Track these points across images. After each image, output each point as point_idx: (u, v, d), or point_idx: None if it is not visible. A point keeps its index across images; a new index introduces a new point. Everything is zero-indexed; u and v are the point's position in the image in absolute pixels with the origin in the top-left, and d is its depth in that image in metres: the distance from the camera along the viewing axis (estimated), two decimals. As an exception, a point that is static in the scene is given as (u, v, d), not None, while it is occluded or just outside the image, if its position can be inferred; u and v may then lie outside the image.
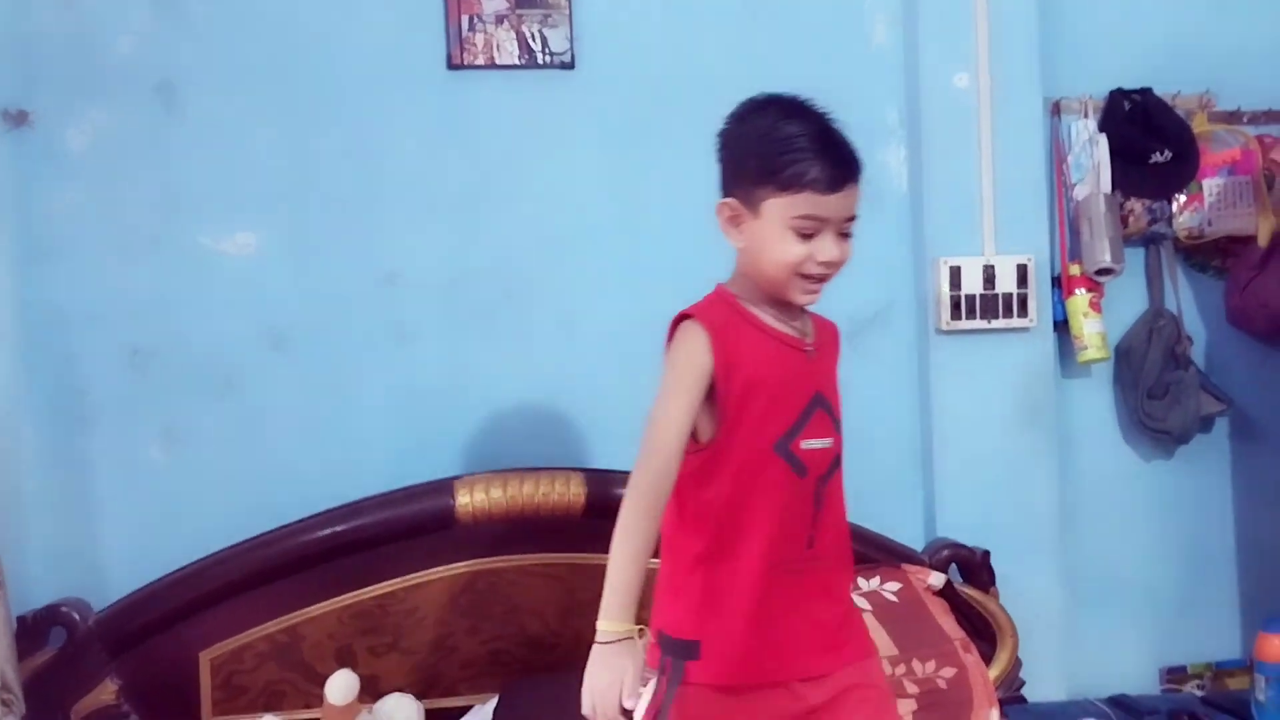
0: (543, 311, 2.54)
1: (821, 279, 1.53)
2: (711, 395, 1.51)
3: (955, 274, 2.56)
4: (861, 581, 2.35)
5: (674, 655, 1.53)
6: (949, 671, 2.23)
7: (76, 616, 2.23)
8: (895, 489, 2.61)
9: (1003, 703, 2.29)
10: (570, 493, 2.32)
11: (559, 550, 2.36)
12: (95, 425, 2.41)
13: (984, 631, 2.42)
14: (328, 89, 2.49)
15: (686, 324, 1.53)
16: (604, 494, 2.33)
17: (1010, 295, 2.57)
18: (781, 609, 1.54)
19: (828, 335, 1.66)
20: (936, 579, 2.40)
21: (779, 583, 1.54)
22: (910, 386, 2.64)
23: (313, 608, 2.30)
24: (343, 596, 2.31)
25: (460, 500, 2.28)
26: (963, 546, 2.50)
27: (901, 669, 2.22)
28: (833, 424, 1.59)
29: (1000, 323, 2.57)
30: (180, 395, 2.43)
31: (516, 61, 2.52)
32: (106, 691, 2.23)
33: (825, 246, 1.50)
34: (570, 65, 2.54)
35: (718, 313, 1.54)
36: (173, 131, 2.44)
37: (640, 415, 2.54)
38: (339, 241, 2.48)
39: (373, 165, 2.49)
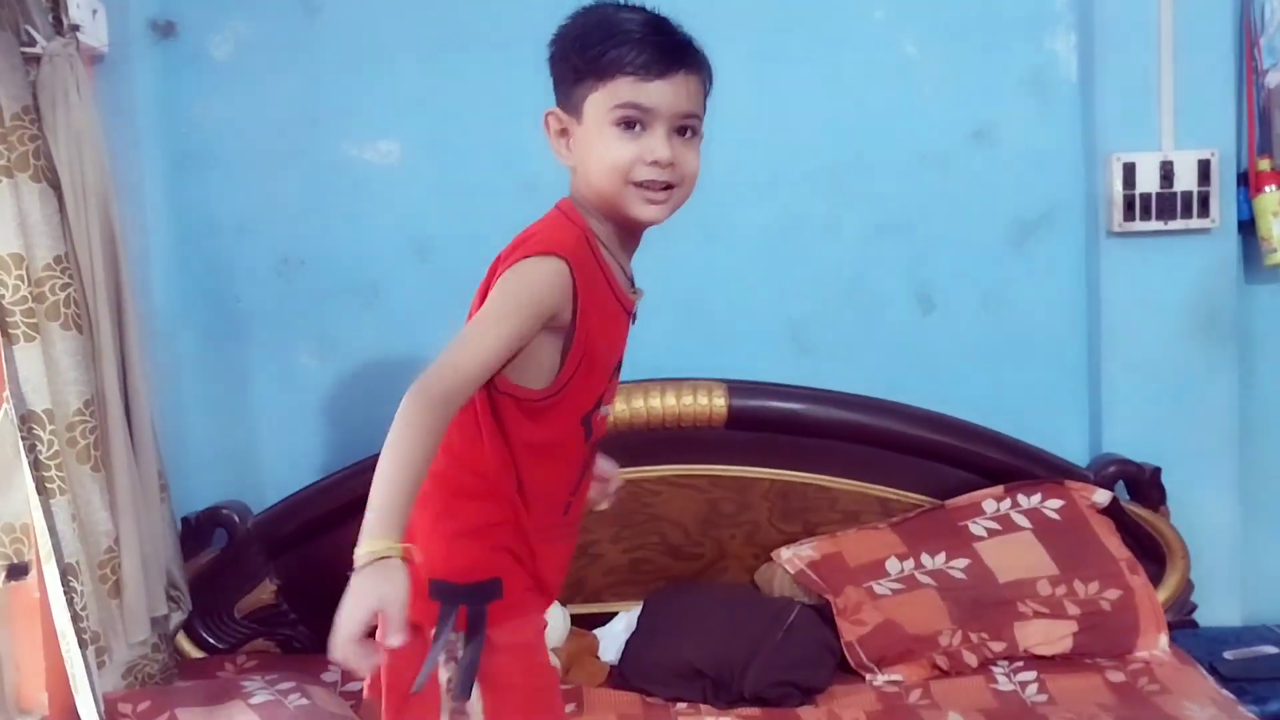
0: (683, 216, 2.44)
1: (665, 187, 1.33)
2: (546, 344, 1.34)
3: (1129, 171, 2.37)
4: (1021, 498, 2.25)
5: (476, 600, 1.35)
6: (1113, 593, 2.13)
7: (236, 519, 2.30)
8: (1059, 401, 2.48)
9: (1172, 626, 2.19)
10: (712, 404, 2.27)
11: (699, 462, 2.33)
12: (249, 333, 2.46)
13: (1153, 552, 2.29)
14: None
15: (551, 259, 1.31)
16: (746, 406, 2.28)
17: (1190, 194, 2.38)
18: (552, 559, 1.45)
19: None
20: (1102, 496, 2.27)
21: (554, 534, 1.44)
22: (1077, 293, 2.48)
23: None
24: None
25: (602, 410, 2.24)
26: (1130, 462, 2.36)
27: (1062, 589, 2.13)
28: (614, 392, 1.47)
29: (1179, 224, 2.38)
30: (329, 303, 2.46)
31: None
32: (266, 591, 2.32)
33: (654, 143, 1.32)
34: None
35: (577, 252, 1.34)
36: (314, 38, 2.43)
37: (784, 324, 2.50)
38: (479, 148, 2.45)
39: (512, 67, 2.41)
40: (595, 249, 1.37)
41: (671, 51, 1.33)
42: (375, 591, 1.13)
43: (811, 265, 2.46)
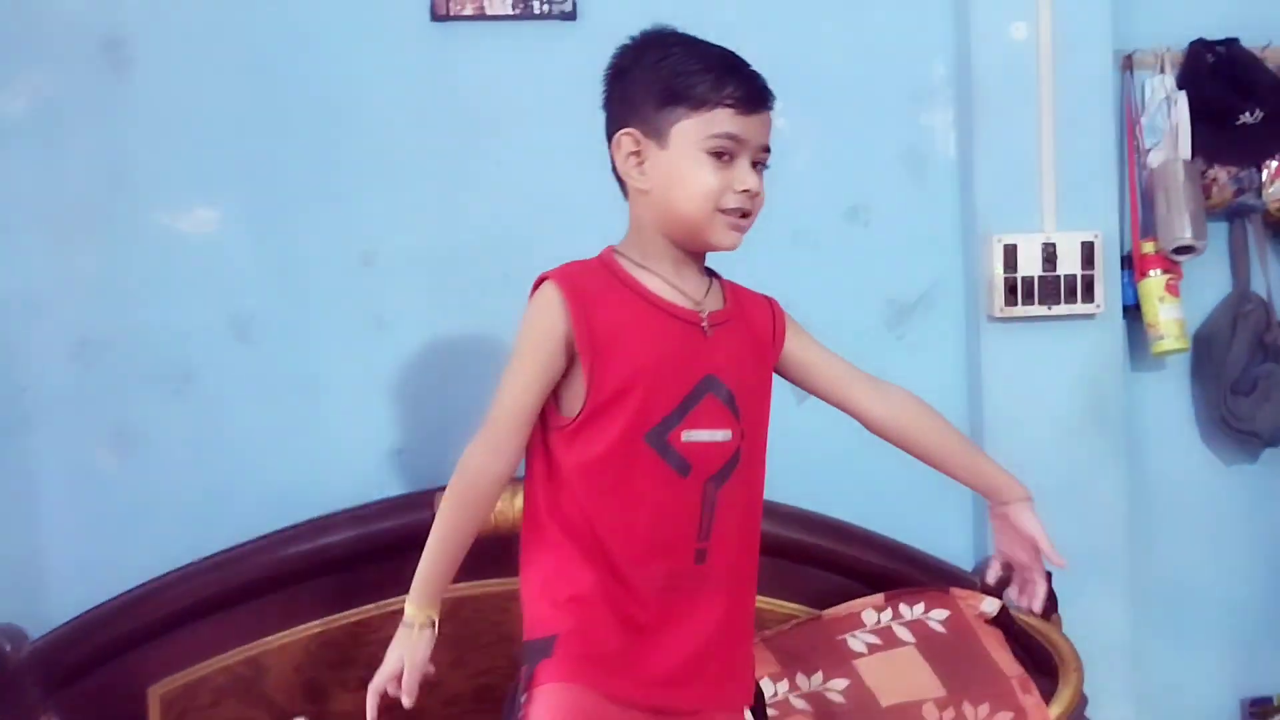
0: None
1: (744, 214, 1.39)
2: (577, 367, 1.36)
3: (1010, 253, 2.25)
4: (904, 608, 2.06)
5: (529, 662, 1.37)
6: (1005, 716, 1.94)
7: (8, 646, 1.96)
8: (940, 499, 2.27)
9: (1066, 746, 2.01)
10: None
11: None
12: (38, 426, 2.14)
13: (1045, 664, 2.12)
14: (296, 44, 2.20)
15: (542, 286, 1.39)
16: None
17: (1074, 277, 2.26)
18: (653, 625, 1.37)
19: (752, 313, 1.49)
20: (989, 605, 2.09)
21: (653, 599, 1.37)
22: (957, 381, 2.33)
23: (276, 636, 2.04)
24: (310, 624, 2.05)
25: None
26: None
27: (950, 713, 1.93)
28: (732, 415, 1.40)
29: (1062, 308, 2.27)
30: (133, 392, 2.16)
31: (510, 11, 2.22)
32: (43, 731, 1.98)
33: (743, 174, 1.37)
34: (571, 15, 2.23)
35: (585, 274, 1.40)
36: (123, 94, 2.15)
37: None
38: (310, 217, 2.20)
39: (347, 130, 2.20)
40: (612, 265, 1.41)
41: (764, 89, 1.40)
42: (395, 653, 1.35)
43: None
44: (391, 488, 2.14)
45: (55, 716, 1.98)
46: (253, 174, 2.19)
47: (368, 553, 2.03)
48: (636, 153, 1.40)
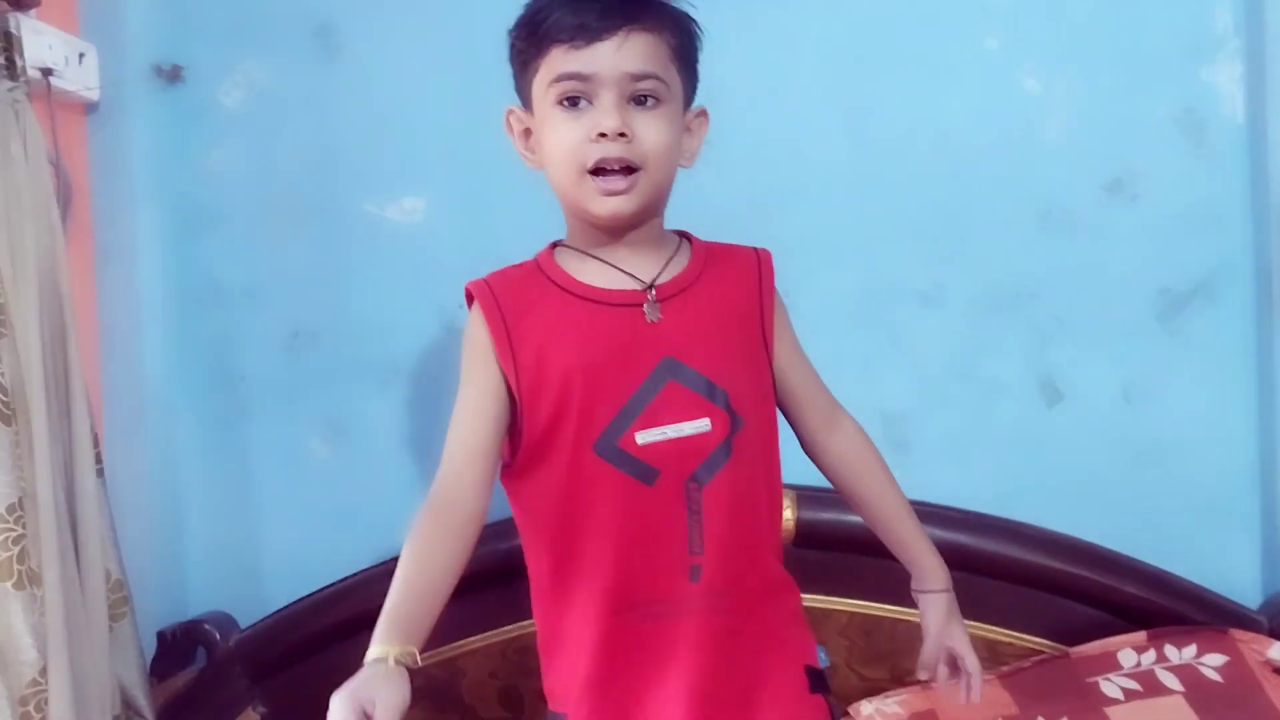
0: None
1: (624, 168, 1.17)
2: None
3: (1314, 231, 1.89)
4: (1171, 650, 1.77)
5: None
6: (1297, 788, 1.63)
7: (217, 635, 1.99)
8: (1220, 523, 1.98)
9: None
10: (778, 515, 1.86)
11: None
12: (254, 415, 2.16)
13: (1349, 727, 1.77)
14: (503, 25, 2.10)
15: (470, 309, 1.27)
16: (820, 520, 1.87)
17: (1396, 259, 1.88)
18: (655, 661, 1.19)
19: (726, 271, 1.27)
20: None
21: (649, 633, 1.19)
22: (1245, 382, 1.99)
23: (473, 639, 1.96)
24: (507, 627, 1.95)
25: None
26: (1320, 604, 1.85)
27: (1227, 780, 1.63)
28: (707, 400, 1.20)
29: (1379, 297, 1.88)
30: (343, 382, 2.15)
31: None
32: (249, 720, 1.99)
33: (600, 114, 1.16)
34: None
35: (508, 281, 1.27)
36: (331, 81, 2.14)
37: (874, 417, 2.06)
38: (512, 204, 2.09)
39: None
40: (545, 261, 1.28)
41: (609, 9, 1.16)
42: (359, 696, 1.05)
43: (908, 345, 2.04)
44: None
45: (262, 705, 1.99)
46: (458, 162, 2.12)
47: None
48: (526, 131, 1.27)
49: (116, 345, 2.08)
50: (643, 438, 1.18)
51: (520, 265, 1.31)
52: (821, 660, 1.35)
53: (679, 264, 1.27)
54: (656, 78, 1.18)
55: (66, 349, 1.72)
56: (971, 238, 2.02)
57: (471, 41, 2.07)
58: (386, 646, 1.10)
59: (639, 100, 1.18)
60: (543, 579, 1.26)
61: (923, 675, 1.35)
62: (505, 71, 2.01)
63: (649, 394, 1.19)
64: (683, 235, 1.32)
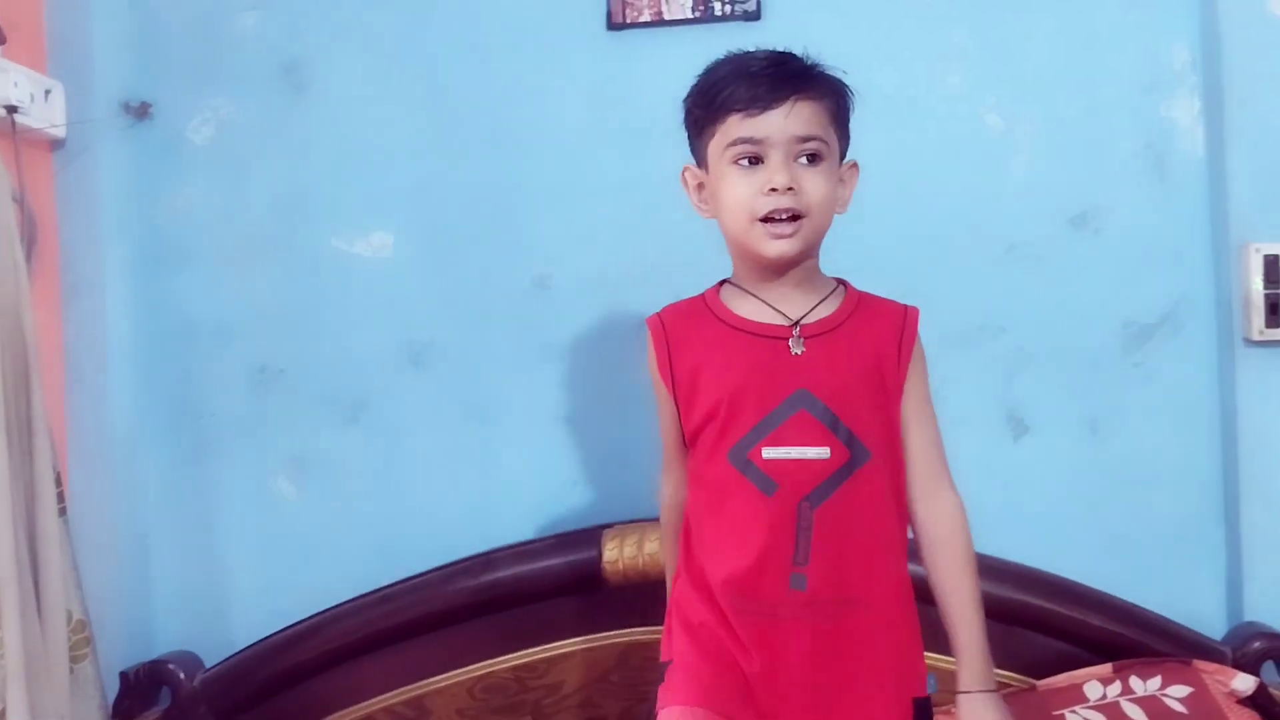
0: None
1: (790, 216, 1.34)
2: None
3: (1271, 265, 1.91)
4: (1136, 682, 1.77)
5: (658, 683, 1.40)
6: (1261, 820, 1.63)
7: (181, 674, 1.97)
8: (1185, 553, 1.98)
9: None
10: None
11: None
12: (219, 452, 2.15)
13: (1314, 758, 1.78)
14: (471, 64, 2.12)
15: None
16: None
17: (1351, 292, 1.91)
18: (753, 651, 1.34)
19: (872, 322, 1.42)
20: (1243, 682, 1.77)
21: (749, 625, 1.35)
22: (1208, 417, 2.00)
23: (441, 677, 1.95)
24: (474, 665, 1.94)
25: (608, 554, 1.86)
26: (1281, 635, 1.86)
27: (1192, 813, 1.63)
28: (829, 431, 1.34)
29: (1336, 329, 1.91)
30: (309, 419, 2.14)
31: (689, 15, 2.07)
32: (215, 763, 1.97)
33: (770, 172, 1.34)
34: (755, 15, 2.06)
35: (677, 314, 1.46)
36: (300, 117, 2.14)
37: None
38: (484, 240, 2.12)
39: (522, 150, 2.10)
40: (710, 297, 1.45)
41: (778, 82, 1.34)
42: None
43: (875, 378, 2.04)
44: (565, 521, 2.02)
45: (225, 748, 1.97)
46: (427, 197, 2.13)
47: (531, 592, 1.91)
48: (700, 185, 1.43)
49: (82, 382, 2.08)
50: (769, 453, 1.34)
51: (691, 299, 1.47)
52: (930, 687, 1.42)
53: (829, 306, 1.41)
54: (819, 139, 1.36)
55: (30, 387, 1.71)
56: (937, 272, 2.03)
57: (438, 78, 2.12)
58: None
59: (803, 158, 1.35)
60: (690, 549, 1.42)
61: None
62: (474, 102, 2.09)
63: (781, 416, 1.35)
64: (841, 282, 1.46)
